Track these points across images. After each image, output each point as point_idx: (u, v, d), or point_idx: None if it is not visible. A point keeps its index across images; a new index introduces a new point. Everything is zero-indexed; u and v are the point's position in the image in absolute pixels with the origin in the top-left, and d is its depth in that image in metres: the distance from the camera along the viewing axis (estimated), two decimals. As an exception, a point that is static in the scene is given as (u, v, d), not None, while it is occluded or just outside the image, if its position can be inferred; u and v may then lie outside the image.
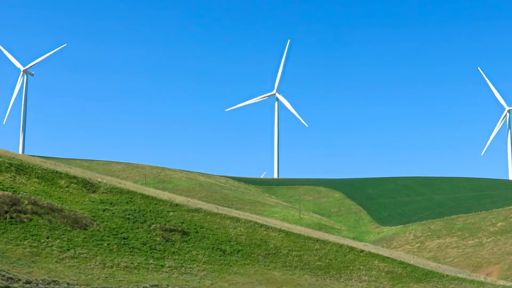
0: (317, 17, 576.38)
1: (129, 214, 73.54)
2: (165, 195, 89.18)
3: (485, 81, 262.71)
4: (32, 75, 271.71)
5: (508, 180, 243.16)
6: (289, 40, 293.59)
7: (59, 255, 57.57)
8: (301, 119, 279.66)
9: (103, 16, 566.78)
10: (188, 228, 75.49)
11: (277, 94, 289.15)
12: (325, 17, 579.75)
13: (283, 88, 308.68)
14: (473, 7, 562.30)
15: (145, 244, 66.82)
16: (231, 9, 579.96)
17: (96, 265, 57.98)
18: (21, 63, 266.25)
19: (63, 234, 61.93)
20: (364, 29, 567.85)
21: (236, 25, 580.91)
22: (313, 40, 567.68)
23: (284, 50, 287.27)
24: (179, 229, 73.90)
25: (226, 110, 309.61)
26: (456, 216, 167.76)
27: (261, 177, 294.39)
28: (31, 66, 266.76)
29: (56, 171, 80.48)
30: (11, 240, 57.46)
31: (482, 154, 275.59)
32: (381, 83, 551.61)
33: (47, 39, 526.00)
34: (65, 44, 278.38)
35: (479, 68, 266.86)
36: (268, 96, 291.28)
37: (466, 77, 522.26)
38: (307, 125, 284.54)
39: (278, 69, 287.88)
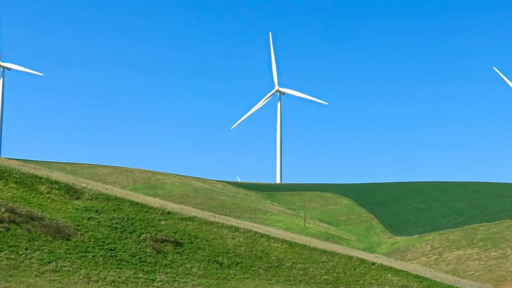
0: (320, 7, 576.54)
1: (116, 223, 73.58)
2: (156, 202, 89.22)
3: (504, 79, 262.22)
4: (10, 69, 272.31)
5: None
6: (270, 33, 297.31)
7: (39, 268, 57.58)
8: (317, 100, 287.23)
9: (88, 7, 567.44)
10: (181, 239, 75.52)
11: (280, 89, 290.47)
12: (329, 6, 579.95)
13: (285, 85, 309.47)
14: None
15: (134, 256, 66.85)
16: (225, 3, 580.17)
17: (80, 279, 57.98)
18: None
19: (43, 245, 61.93)
20: (375, 19, 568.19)
21: (232, 17, 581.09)
22: (317, 32, 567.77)
23: (270, 45, 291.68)
24: (172, 239, 73.92)
25: (231, 128, 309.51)
26: (477, 225, 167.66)
27: (238, 181, 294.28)
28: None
29: (36, 176, 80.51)
30: (-14, 251, 57.47)
31: None
32: (389, 80, 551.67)
33: (30, 31, 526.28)
34: None
35: (494, 67, 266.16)
36: (272, 94, 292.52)
37: (484, 73, 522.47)
38: (326, 103, 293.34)
39: (271, 66, 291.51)
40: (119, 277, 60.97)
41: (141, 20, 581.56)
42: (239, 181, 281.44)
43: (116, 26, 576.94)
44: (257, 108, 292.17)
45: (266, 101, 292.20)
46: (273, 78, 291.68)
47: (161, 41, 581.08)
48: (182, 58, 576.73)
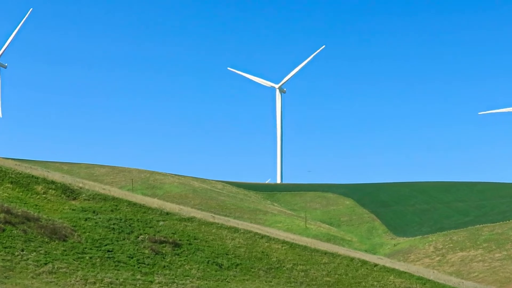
0: (320, 6, 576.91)
1: (114, 224, 73.56)
2: (154, 203, 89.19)
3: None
4: (5, 67, 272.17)
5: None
6: (323, 46, 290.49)
7: (36, 270, 57.57)
8: (279, 139, 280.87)
9: (85, 1, 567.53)
10: (180, 240, 75.50)
11: (277, 91, 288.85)
12: (330, 5, 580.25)
13: (290, 81, 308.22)
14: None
15: (132, 258, 66.83)
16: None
17: (77, 281, 57.97)
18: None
19: (40, 246, 61.93)
20: (376, 18, 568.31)
21: (231, 17, 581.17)
22: (318, 32, 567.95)
23: (314, 53, 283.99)
24: (170, 240, 73.90)
25: (228, 68, 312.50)
26: (481, 226, 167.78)
27: (266, 183, 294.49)
28: (2, 54, 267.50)
29: (32, 176, 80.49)
30: (-19, 253, 57.45)
31: (479, 113, 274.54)
32: (392, 80, 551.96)
33: (28, 30, 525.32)
34: (31, 9, 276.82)
35: None
36: (269, 85, 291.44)
37: (485, 73, 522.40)
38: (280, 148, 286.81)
39: (296, 67, 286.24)
40: (117, 279, 60.96)
41: (140, 19, 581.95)
42: (268, 182, 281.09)
43: (115, 24, 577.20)
44: (256, 80, 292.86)
45: (263, 83, 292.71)
46: (285, 76, 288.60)
47: (160, 39, 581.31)
48: (181, 57, 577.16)
